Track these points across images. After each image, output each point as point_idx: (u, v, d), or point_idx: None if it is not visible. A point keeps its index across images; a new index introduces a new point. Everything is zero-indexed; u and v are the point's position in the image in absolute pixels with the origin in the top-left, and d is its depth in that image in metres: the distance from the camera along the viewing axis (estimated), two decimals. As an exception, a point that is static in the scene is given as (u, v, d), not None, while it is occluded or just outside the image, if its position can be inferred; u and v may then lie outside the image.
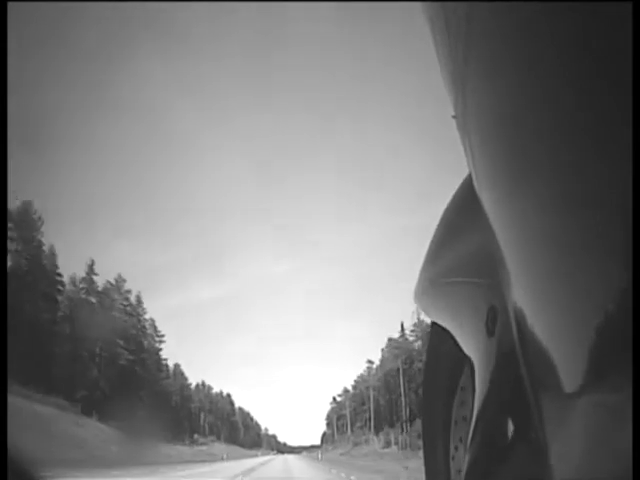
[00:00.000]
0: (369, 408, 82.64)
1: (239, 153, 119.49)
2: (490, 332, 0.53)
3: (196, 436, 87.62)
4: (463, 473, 0.57)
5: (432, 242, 0.78)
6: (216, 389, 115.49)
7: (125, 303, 64.80)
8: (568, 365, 0.33)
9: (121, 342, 58.30)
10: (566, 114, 0.32)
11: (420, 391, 0.77)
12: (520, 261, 0.40)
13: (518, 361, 0.43)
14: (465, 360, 0.64)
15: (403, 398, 64.43)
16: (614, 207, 0.29)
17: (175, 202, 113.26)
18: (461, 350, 0.65)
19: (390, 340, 75.02)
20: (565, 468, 0.34)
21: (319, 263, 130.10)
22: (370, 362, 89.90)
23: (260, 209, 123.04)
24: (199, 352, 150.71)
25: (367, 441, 74.10)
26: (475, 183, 0.47)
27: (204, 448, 70.01)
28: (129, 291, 65.49)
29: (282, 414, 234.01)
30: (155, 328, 73.59)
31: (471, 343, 0.61)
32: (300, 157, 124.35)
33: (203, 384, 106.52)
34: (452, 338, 0.68)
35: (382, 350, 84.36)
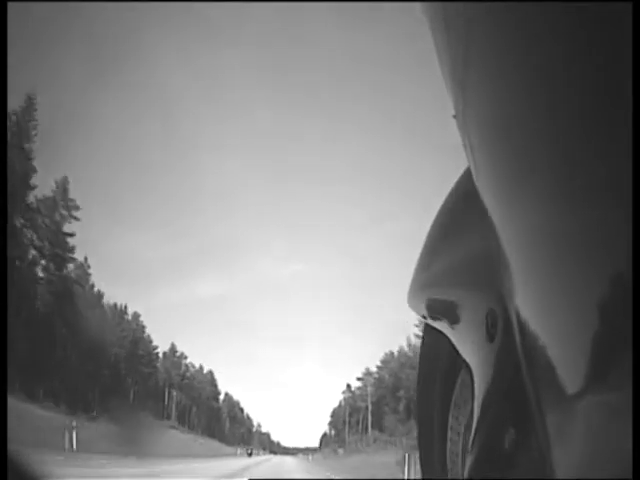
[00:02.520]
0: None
1: (248, 148, 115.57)
2: (490, 337, 0.52)
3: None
4: None
5: (425, 245, 0.75)
6: (194, 362, 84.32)
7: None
8: (572, 368, 0.32)
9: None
10: (566, 113, 0.32)
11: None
12: (522, 262, 0.39)
13: (519, 366, 0.41)
14: (460, 360, 0.63)
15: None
16: (615, 206, 0.29)
17: (179, 196, 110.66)
18: (456, 350, 0.64)
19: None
20: (567, 475, 0.34)
21: (328, 264, 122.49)
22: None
23: (269, 206, 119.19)
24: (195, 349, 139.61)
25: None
26: (476, 183, 0.46)
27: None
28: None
29: (275, 412, 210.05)
30: (65, 191, 42.16)
31: (469, 348, 0.59)
32: (311, 154, 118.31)
33: (173, 350, 75.37)
34: (447, 337, 0.67)
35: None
